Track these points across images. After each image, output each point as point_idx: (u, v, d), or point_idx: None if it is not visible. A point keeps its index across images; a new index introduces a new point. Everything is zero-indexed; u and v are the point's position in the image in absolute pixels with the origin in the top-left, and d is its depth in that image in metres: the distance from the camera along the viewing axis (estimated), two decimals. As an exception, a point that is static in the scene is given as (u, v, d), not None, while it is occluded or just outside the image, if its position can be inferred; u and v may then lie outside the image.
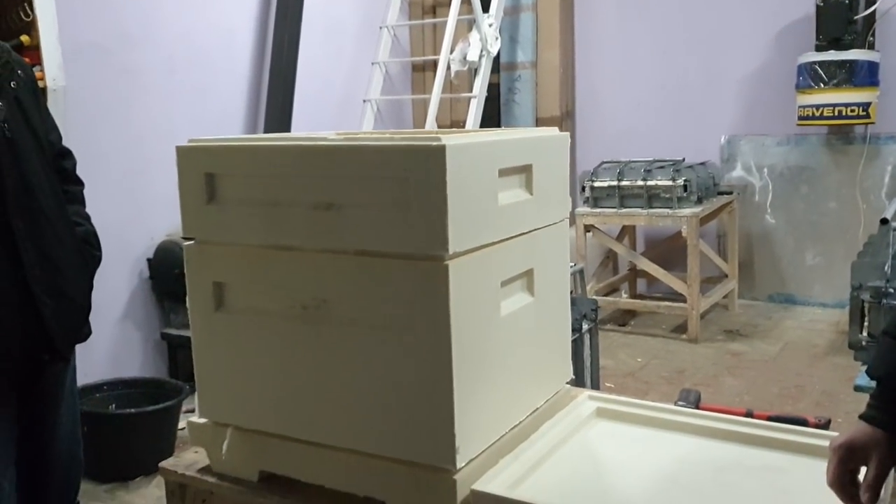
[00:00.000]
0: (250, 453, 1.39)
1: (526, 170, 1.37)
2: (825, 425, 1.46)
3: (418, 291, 1.18)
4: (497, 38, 5.02)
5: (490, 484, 1.22)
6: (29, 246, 1.71)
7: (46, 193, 1.79)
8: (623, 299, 5.18)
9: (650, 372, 4.02)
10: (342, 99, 5.29)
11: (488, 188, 1.26)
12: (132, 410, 3.11)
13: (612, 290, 5.33)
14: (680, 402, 1.55)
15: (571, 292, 3.38)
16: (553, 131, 1.49)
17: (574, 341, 2.92)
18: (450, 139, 1.16)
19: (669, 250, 5.10)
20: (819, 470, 1.27)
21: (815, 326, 4.68)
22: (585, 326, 2.98)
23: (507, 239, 1.31)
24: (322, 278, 1.28)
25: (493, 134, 1.34)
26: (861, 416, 1.20)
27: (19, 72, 1.82)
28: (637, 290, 5.44)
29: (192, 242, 1.39)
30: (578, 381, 2.92)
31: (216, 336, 1.39)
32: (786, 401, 3.53)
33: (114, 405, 3.31)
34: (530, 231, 1.39)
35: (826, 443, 1.31)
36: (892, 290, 2.21)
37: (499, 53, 5.53)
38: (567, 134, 1.50)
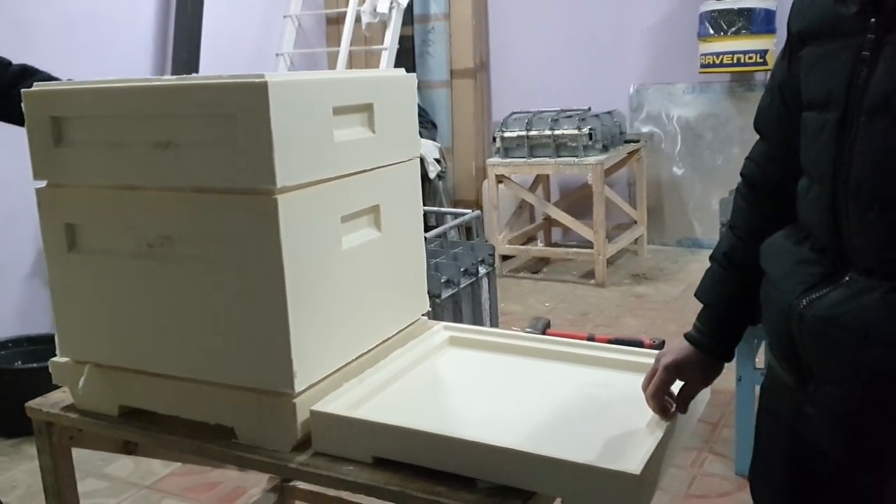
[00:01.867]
0: (109, 389, 1.44)
1: (367, 109, 1.43)
2: (660, 346, 1.57)
3: (250, 226, 1.24)
4: (405, -8, 5.03)
5: (330, 405, 1.29)
6: None
7: None
8: (535, 247, 5.30)
9: (556, 315, 4.15)
10: (253, 54, 5.24)
11: (322, 125, 1.31)
12: (35, 365, 3.12)
13: (530, 239, 5.46)
14: (528, 329, 1.64)
15: (470, 238, 3.48)
16: (398, 72, 1.54)
17: (471, 285, 3.02)
18: (276, 77, 1.21)
19: (582, 199, 5.23)
20: (639, 384, 1.39)
21: (718, 268, 4.86)
22: (483, 271, 3.07)
23: (347, 175, 1.37)
24: (164, 217, 1.32)
25: (330, 73, 1.39)
26: (686, 337, 1.30)
27: None
28: (553, 239, 5.57)
29: (42, 185, 1.42)
30: (477, 325, 3.02)
31: (70, 276, 1.43)
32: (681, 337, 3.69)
33: (20, 361, 3.31)
34: (374, 169, 1.45)
35: (651, 361, 1.42)
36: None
37: (412, 5, 5.54)
38: (413, 76, 1.56)
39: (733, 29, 4.57)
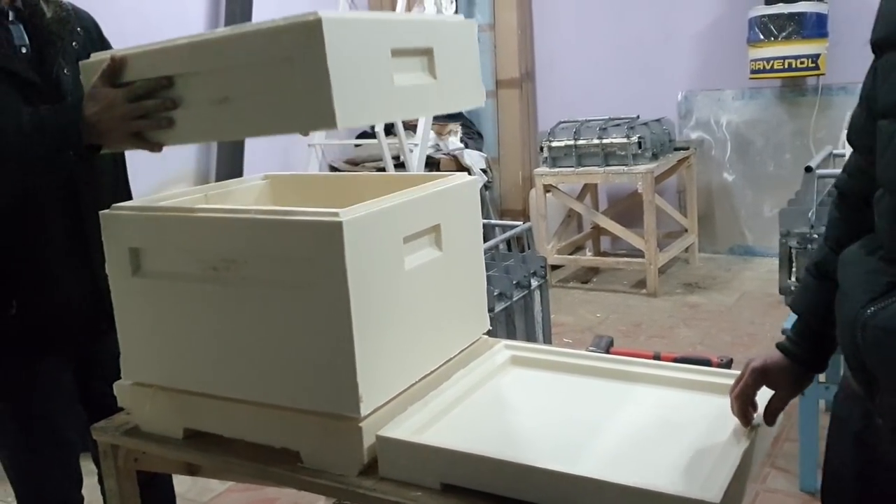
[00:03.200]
0: (174, 412, 1.44)
1: (426, 53, 1.38)
2: (727, 364, 1.53)
3: (315, 248, 1.23)
4: (452, 1, 5.02)
5: (396, 430, 1.27)
6: (97, 242, 1.47)
7: (119, 181, 1.74)
8: (584, 257, 5.25)
9: (608, 326, 4.10)
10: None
11: (381, 67, 1.27)
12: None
13: (577, 249, 5.40)
14: (591, 348, 1.60)
15: (522, 250, 3.45)
16: (457, 17, 1.52)
17: (523, 298, 2.98)
18: (330, 14, 1.18)
19: (630, 207, 5.17)
20: (711, 404, 1.35)
21: (773, 277, 4.73)
22: (535, 283, 3.04)
23: (410, 200, 1.36)
24: (228, 240, 1.32)
25: (387, 14, 1.37)
26: (778, 346, 1.28)
27: (79, 29, 1.65)
28: (602, 248, 5.51)
29: (107, 210, 1.43)
30: (530, 338, 2.98)
31: (135, 300, 1.43)
32: (737, 348, 3.62)
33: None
34: (435, 190, 1.44)
35: (723, 380, 1.39)
36: (816, 236, 2.28)
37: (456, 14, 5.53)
38: (473, 21, 1.53)
39: (784, 34, 4.48)
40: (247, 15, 4.56)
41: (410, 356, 1.39)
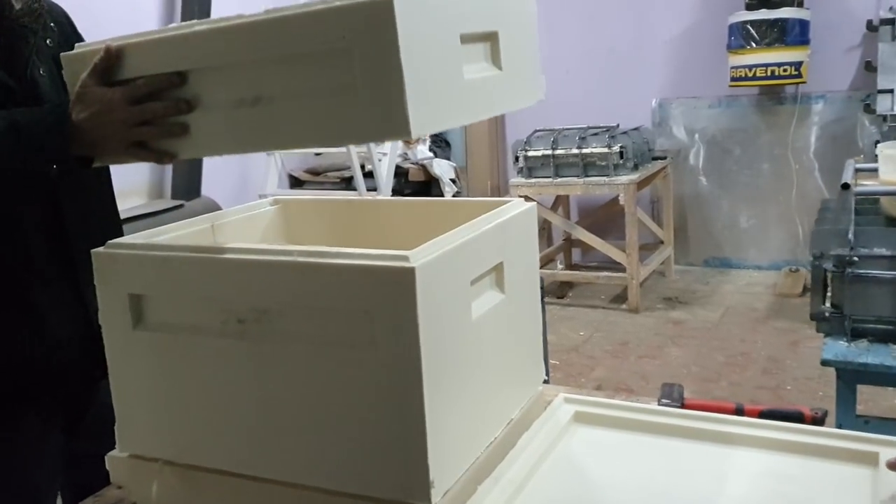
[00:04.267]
0: (184, 492, 1.18)
1: (491, 38, 1.15)
2: (822, 419, 1.34)
3: (380, 296, 0.99)
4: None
5: (471, 518, 1.05)
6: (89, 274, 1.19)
7: (105, 200, 1.46)
8: (562, 271, 5.08)
9: (594, 346, 3.92)
10: None
11: (452, 59, 1.03)
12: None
13: (548, 262, 5.23)
14: (664, 401, 1.40)
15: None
16: None
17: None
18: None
19: (604, 218, 5.02)
20: (832, 474, 1.16)
21: (753, 290, 4.67)
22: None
23: (477, 235, 1.14)
24: (261, 285, 1.07)
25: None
26: None
27: (52, 24, 1.39)
28: (572, 261, 5.34)
29: (101, 248, 1.17)
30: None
31: (137, 358, 1.17)
32: (732, 370, 3.48)
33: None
34: (498, 222, 1.21)
35: (835, 443, 1.20)
36: (857, 259, 2.13)
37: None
38: None
39: (766, 40, 4.38)
40: (205, 10, 4.26)
41: (477, 424, 1.16)
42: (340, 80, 0.96)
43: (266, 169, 4.82)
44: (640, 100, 5.16)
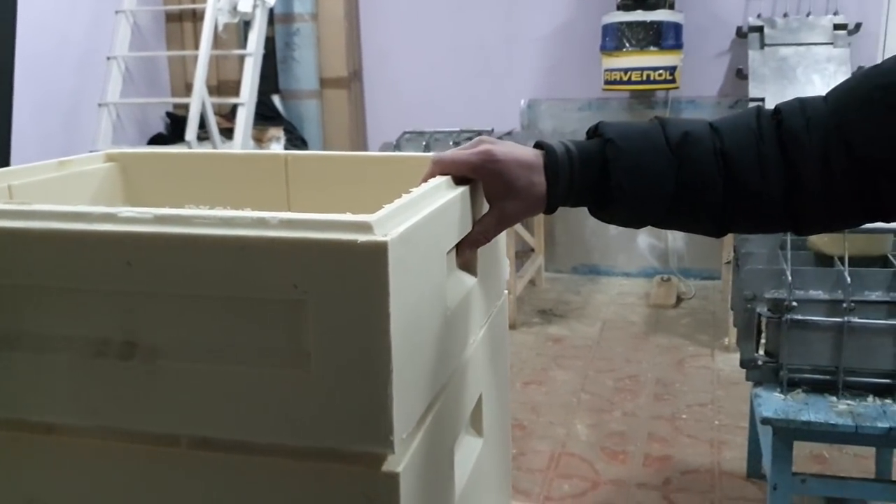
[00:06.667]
0: None
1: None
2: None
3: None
4: (272, -12, 4.31)
5: None
6: None
7: None
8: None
9: (475, 371, 3.61)
10: (82, 57, 4.34)
11: (434, 292, 0.70)
12: None
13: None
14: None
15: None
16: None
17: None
18: (381, 220, 0.59)
19: (473, 225, 4.73)
20: None
21: (626, 300, 4.53)
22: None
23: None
24: (132, 490, 0.65)
25: (426, 196, 0.74)
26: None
27: None
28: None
29: None
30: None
31: None
32: (624, 396, 3.28)
33: None
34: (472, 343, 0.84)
35: None
36: (795, 304, 1.92)
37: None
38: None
39: (642, 44, 4.21)
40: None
41: None
42: (281, 348, 0.61)
43: (98, 122, 4.24)
44: (509, 100, 4.90)
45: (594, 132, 0.88)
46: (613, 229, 4.93)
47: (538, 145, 0.86)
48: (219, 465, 0.64)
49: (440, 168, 0.80)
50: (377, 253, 0.57)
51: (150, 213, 0.62)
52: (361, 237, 0.57)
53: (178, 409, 0.63)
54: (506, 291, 1.02)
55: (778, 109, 0.84)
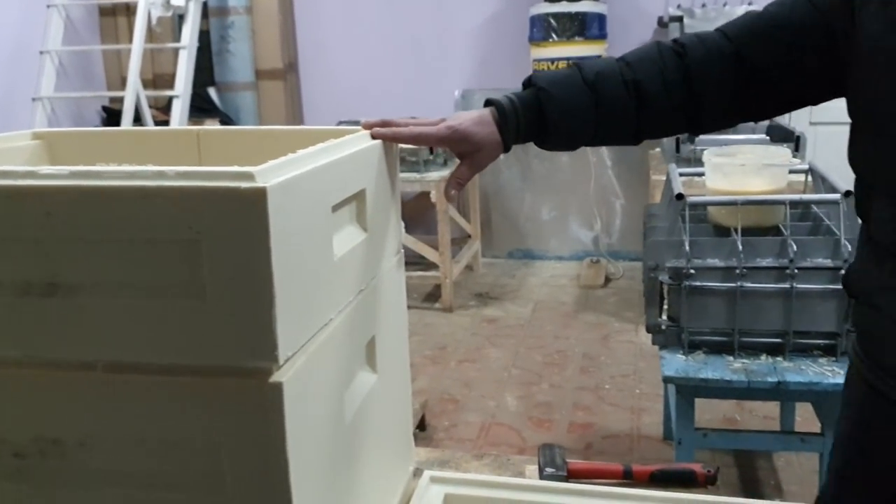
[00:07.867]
0: None
1: (358, 198, 0.94)
2: (714, 476, 1.22)
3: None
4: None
5: None
6: None
7: None
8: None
9: (413, 352, 3.71)
10: (13, 52, 4.34)
11: (320, 238, 0.82)
12: None
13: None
14: (548, 470, 1.22)
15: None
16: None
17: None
18: (264, 171, 0.71)
19: (412, 212, 4.85)
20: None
21: (558, 282, 4.70)
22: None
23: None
24: (54, 411, 0.76)
25: (311, 154, 0.85)
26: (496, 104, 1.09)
27: None
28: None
29: None
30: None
31: None
32: (552, 370, 3.43)
33: None
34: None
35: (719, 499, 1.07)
36: (693, 271, 2.08)
37: (207, -5, 4.86)
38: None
39: (567, 34, 4.37)
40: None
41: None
42: (181, 281, 0.71)
43: (32, 117, 4.25)
44: (443, 90, 5.03)
45: (528, 83, 1.10)
46: (546, 214, 5.11)
47: (488, 102, 1.10)
48: (130, 385, 0.75)
49: (408, 139, 1.03)
50: (257, 197, 0.68)
51: (66, 170, 0.73)
52: (244, 184, 0.69)
53: (94, 338, 0.74)
54: (402, 251, 1.14)
55: (681, 43, 1.08)
